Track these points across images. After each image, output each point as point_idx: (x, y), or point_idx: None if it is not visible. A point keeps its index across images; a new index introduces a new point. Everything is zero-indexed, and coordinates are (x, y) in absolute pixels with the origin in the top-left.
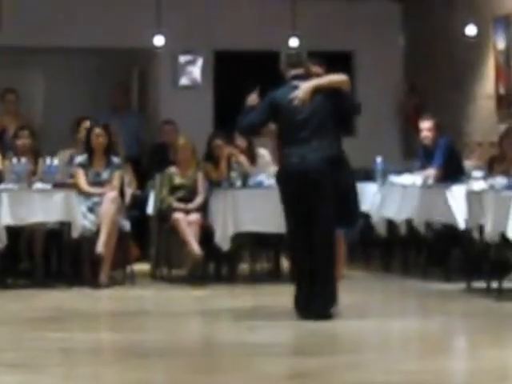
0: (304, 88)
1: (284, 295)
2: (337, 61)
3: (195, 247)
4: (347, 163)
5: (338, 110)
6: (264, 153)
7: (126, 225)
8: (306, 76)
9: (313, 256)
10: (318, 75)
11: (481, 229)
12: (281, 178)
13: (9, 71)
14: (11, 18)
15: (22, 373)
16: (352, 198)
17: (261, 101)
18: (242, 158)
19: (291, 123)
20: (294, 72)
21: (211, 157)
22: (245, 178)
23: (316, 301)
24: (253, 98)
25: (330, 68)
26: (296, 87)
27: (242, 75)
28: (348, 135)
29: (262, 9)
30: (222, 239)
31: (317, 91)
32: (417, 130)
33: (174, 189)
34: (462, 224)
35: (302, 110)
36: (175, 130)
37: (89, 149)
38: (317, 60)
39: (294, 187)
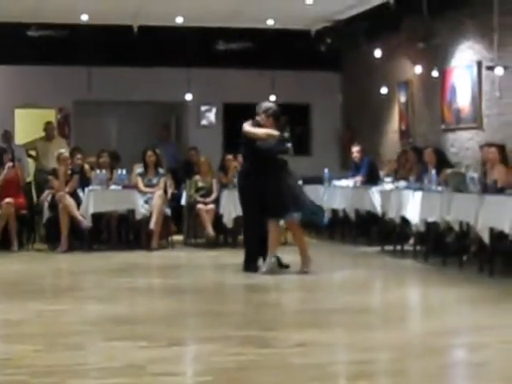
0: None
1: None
2: (299, 109)
3: (210, 230)
4: (287, 171)
5: (268, 151)
6: None
7: (168, 211)
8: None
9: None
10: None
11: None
12: None
13: (94, 118)
14: (96, 82)
15: (103, 304)
16: (295, 194)
17: None
18: None
19: None
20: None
21: (223, 168)
22: None
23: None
24: None
25: (296, 114)
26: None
27: (240, 119)
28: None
29: (253, 77)
30: (228, 220)
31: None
32: (350, 152)
33: (197, 189)
34: (378, 210)
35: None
36: (197, 153)
37: (144, 164)
38: (267, 114)
39: None
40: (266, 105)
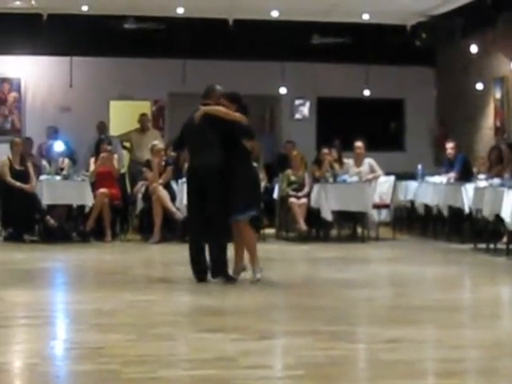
0: (200, 111)
1: (359, 250)
2: (393, 105)
3: (302, 224)
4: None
5: (231, 133)
6: (348, 161)
7: (261, 205)
8: (216, 105)
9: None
10: (224, 105)
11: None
12: None
13: (188, 110)
14: (190, 75)
15: (194, 295)
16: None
17: None
18: (335, 164)
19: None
20: (203, 101)
21: (318, 161)
22: (335, 176)
23: None
24: None
25: (390, 109)
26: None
27: (333, 112)
28: None
29: (348, 71)
30: (327, 214)
31: (207, 116)
32: (444, 149)
33: (290, 183)
34: (470, 208)
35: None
36: (293, 147)
37: None
38: (229, 97)
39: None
40: (218, 88)
